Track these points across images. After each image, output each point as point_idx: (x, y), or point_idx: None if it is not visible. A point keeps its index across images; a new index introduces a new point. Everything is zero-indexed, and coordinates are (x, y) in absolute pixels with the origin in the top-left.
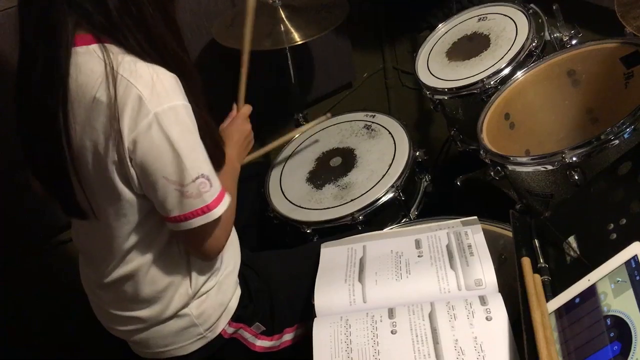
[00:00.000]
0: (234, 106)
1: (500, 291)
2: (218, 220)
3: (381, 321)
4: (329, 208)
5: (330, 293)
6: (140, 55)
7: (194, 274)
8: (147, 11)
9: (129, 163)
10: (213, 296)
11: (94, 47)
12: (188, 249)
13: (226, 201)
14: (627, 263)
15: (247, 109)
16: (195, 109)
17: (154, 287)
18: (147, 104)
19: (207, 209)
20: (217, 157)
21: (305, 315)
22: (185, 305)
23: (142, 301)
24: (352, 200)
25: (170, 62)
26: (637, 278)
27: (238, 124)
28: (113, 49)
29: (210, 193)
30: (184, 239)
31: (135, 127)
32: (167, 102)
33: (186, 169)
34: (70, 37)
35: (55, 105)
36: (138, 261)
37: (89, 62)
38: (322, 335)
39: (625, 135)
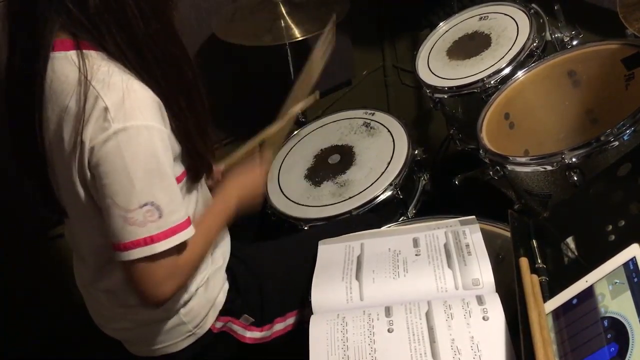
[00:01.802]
0: (256, 146)
1: (499, 290)
2: (161, 258)
3: (378, 319)
4: (326, 205)
5: (327, 290)
6: (119, 59)
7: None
8: (131, 11)
9: (88, 174)
10: (201, 294)
11: (72, 54)
12: (129, 285)
13: (177, 239)
14: (625, 265)
15: (271, 159)
16: (183, 122)
17: None
18: (110, 118)
19: (150, 240)
20: (196, 165)
21: (296, 304)
22: (179, 308)
23: (132, 306)
24: (350, 197)
25: (152, 67)
26: (635, 280)
27: (255, 170)
28: (92, 55)
29: (156, 224)
30: (125, 275)
31: (95, 138)
32: (132, 121)
33: (135, 193)
34: (49, 41)
35: (31, 107)
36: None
37: (64, 68)
38: (319, 333)
39: (625, 137)
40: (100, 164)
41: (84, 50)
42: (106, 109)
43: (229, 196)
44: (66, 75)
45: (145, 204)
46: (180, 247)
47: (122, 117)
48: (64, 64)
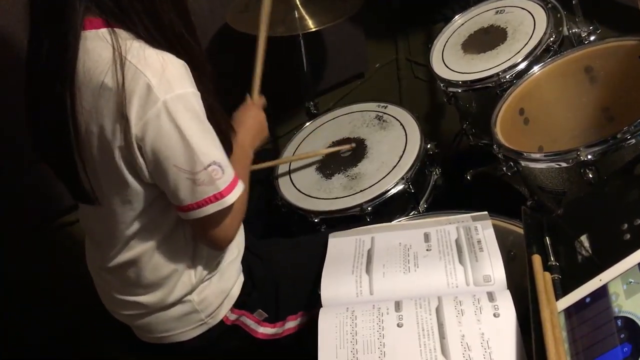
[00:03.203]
0: (247, 97)
1: (509, 288)
2: (230, 207)
3: (387, 314)
4: (337, 198)
5: (337, 283)
6: (148, 41)
7: (198, 263)
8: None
9: (138, 151)
10: (215, 283)
11: (103, 32)
12: (199, 237)
13: (239, 188)
14: None
15: (261, 101)
16: (204, 97)
17: (157, 274)
18: (155, 91)
19: (220, 195)
20: (223, 145)
21: (309, 303)
22: (188, 293)
23: (145, 287)
24: (361, 191)
25: (179, 49)
26: None
27: (252, 111)
28: (122, 34)
29: (222, 180)
30: (195, 227)
31: (144, 114)
32: (176, 90)
33: (197, 156)
34: (80, 21)
35: (62, 90)
36: (141, 247)
37: (97, 46)
38: (328, 326)
39: None
40: (157, 138)
41: (115, 28)
42: (149, 84)
43: (243, 145)
44: (99, 53)
45: (210, 165)
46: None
47: (165, 89)
48: (97, 42)
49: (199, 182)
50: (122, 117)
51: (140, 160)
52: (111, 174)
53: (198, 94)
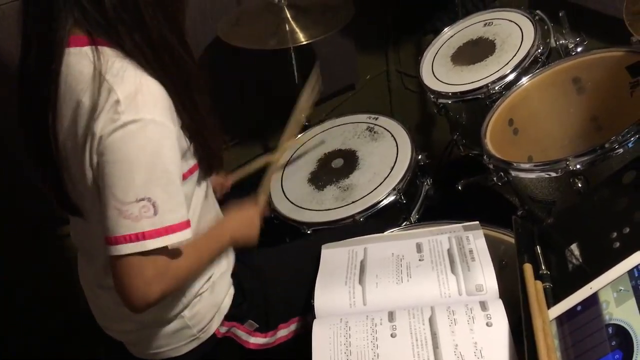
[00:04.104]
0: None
1: (501, 297)
2: (152, 256)
3: (381, 324)
4: (329, 209)
5: (331, 295)
6: (136, 57)
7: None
8: (147, 11)
9: (95, 163)
10: (206, 297)
11: (87, 50)
12: (115, 286)
13: (170, 239)
14: (630, 272)
15: (264, 207)
16: (193, 113)
17: None
18: (120, 110)
19: (142, 236)
20: (208, 161)
21: (299, 309)
22: (182, 310)
23: None
24: (353, 202)
25: (168, 64)
26: None
27: (251, 210)
28: (107, 52)
29: (151, 221)
30: (113, 272)
31: (104, 128)
32: (141, 114)
33: (133, 186)
34: (65, 37)
35: (45, 103)
36: None
37: (79, 63)
38: (322, 337)
39: (630, 144)
40: (104, 153)
41: (98, 47)
42: (117, 101)
43: (223, 227)
44: (80, 71)
45: (142, 199)
46: (174, 251)
47: (132, 110)
48: (79, 60)
49: (125, 215)
50: (90, 135)
51: (96, 173)
52: (88, 189)
53: (170, 127)
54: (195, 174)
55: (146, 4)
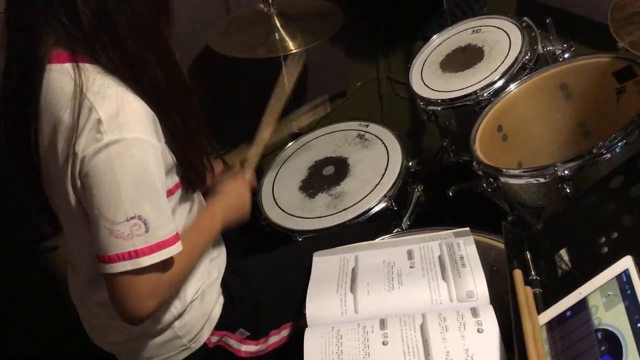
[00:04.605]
0: (237, 162)
1: (492, 302)
2: (145, 273)
3: (372, 332)
4: (321, 217)
5: (322, 303)
6: (114, 72)
7: (181, 290)
8: (123, 29)
9: (79, 184)
10: (196, 307)
11: (67, 67)
12: (110, 299)
13: (163, 254)
14: (619, 277)
15: (253, 180)
16: (175, 128)
17: None
18: (102, 130)
19: (135, 254)
20: (190, 177)
21: (290, 315)
22: (173, 321)
23: None
24: (344, 209)
25: (144, 83)
26: (629, 292)
27: (239, 186)
28: (87, 68)
29: (143, 238)
30: (108, 289)
31: (87, 148)
32: (124, 133)
33: (122, 205)
34: (46, 53)
35: (27, 119)
36: None
37: (60, 80)
38: (314, 346)
39: (617, 150)
40: (89, 175)
41: (79, 64)
42: (99, 121)
43: (214, 214)
44: (61, 88)
45: (132, 217)
46: (166, 264)
47: (115, 129)
48: (60, 77)
49: (116, 234)
50: (71, 152)
51: (81, 194)
52: (70, 209)
53: (154, 143)
54: (179, 193)
55: (122, 21)
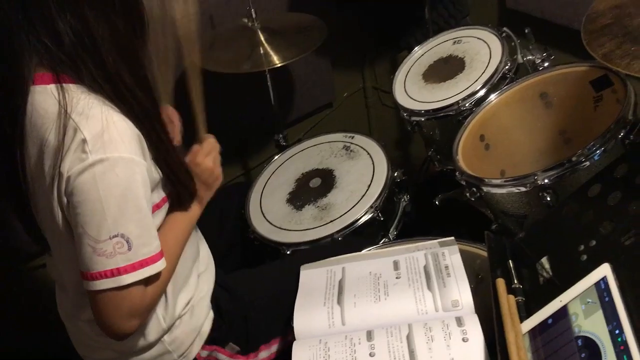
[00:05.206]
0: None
1: (478, 310)
2: (128, 290)
3: (359, 343)
4: (308, 229)
5: (310, 316)
6: (98, 91)
7: (169, 306)
8: (103, 47)
9: (65, 202)
10: (186, 322)
11: (51, 88)
12: (94, 315)
13: (145, 272)
14: (597, 284)
15: (208, 144)
16: (161, 142)
17: None
18: (87, 149)
19: (117, 272)
20: (177, 193)
21: (280, 330)
22: (161, 336)
23: None
24: (331, 221)
25: (128, 101)
26: (607, 299)
27: (198, 158)
28: (71, 88)
29: (125, 256)
30: (91, 305)
31: (72, 168)
32: (109, 153)
33: (106, 224)
34: (30, 75)
35: (12, 141)
36: None
37: (44, 102)
38: (302, 358)
39: (596, 157)
40: (74, 194)
41: (63, 84)
42: (84, 141)
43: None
44: (45, 109)
45: (115, 236)
46: (149, 280)
47: (100, 149)
48: (44, 98)
49: (99, 252)
50: (57, 172)
51: (67, 212)
52: (57, 228)
53: (140, 162)
54: (166, 206)
55: (103, 40)
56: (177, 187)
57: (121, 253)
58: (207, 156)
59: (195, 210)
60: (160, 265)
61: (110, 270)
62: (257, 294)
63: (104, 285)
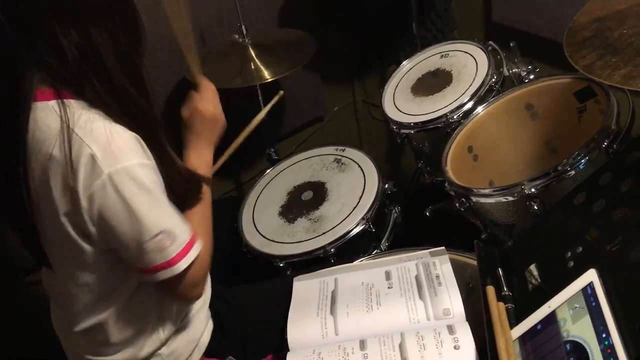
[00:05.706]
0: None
1: (470, 318)
2: (184, 272)
3: (353, 353)
4: (301, 242)
5: (303, 326)
6: (101, 107)
7: (166, 318)
8: (108, 61)
9: (88, 220)
10: (184, 334)
11: (53, 104)
12: (167, 294)
13: (192, 254)
14: (584, 290)
15: (205, 89)
16: (159, 157)
17: (125, 334)
18: (99, 163)
19: (169, 263)
20: (176, 203)
21: (277, 346)
22: (158, 348)
23: (114, 346)
24: (323, 233)
25: (133, 113)
26: (593, 304)
27: (197, 107)
28: (72, 104)
29: (172, 248)
30: (160, 286)
31: (90, 186)
32: (121, 162)
33: (144, 227)
34: (31, 92)
35: (14, 159)
36: (105, 311)
37: (46, 118)
38: None
39: (581, 166)
40: (103, 210)
41: (64, 100)
42: (93, 156)
43: (199, 156)
44: (48, 125)
45: (157, 234)
46: (198, 255)
47: (111, 161)
48: (46, 114)
49: (146, 251)
50: (69, 189)
51: (92, 228)
52: (64, 241)
53: (148, 163)
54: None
55: (107, 53)
56: (175, 196)
57: (168, 246)
58: (206, 102)
59: (207, 156)
60: (199, 244)
61: (166, 263)
62: (256, 309)
63: (163, 276)
